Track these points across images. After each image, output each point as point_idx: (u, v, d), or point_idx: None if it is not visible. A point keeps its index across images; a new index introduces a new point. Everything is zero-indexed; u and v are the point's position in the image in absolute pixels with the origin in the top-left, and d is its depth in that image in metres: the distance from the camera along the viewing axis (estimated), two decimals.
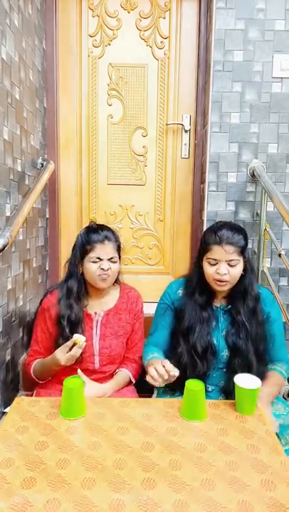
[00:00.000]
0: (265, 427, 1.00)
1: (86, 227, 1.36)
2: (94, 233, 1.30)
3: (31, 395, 1.38)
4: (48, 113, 2.09)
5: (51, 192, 2.16)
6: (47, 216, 2.15)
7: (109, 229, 1.34)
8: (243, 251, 1.22)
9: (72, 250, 1.35)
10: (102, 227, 1.33)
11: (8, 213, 1.50)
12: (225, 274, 1.20)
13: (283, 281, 2.01)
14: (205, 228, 2.00)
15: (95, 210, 2.23)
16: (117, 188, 2.21)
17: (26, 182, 1.74)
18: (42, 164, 1.90)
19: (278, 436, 1.11)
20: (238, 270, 1.22)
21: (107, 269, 1.28)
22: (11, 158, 1.54)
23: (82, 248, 1.30)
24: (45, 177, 1.78)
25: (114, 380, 1.34)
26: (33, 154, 1.84)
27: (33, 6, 1.81)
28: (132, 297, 1.42)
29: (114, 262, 1.31)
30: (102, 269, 1.27)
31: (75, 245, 1.34)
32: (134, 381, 1.38)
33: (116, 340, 1.35)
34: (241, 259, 1.22)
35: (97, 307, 1.37)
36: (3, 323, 1.48)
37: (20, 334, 1.70)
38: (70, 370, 1.30)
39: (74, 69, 2.13)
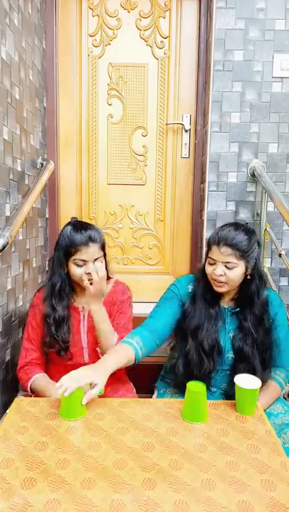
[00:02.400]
0: (266, 427, 1.00)
1: (69, 226, 1.29)
2: (77, 234, 1.24)
3: (31, 396, 1.37)
4: (47, 113, 2.09)
5: (51, 192, 2.16)
6: (47, 216, 2.15)
7: (93, 228, 1.29)
8: (243, 255, 1.18)
9: (56, 248, 1.31)
10: (85, 227, 1.27)
11: (7, 213, 1.50)
12: (221, 275, 1.19)
13: (283, 281, 2.01)
14: (205, 228, 2.00)
15: (94, 210, 2.23)
16: (117, 187, 2.21)
17: (26, 182, 1.74)
18: (42, 164, 1.90)
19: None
20: (235, 273, 1.19)
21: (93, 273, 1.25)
22: (11, 158, 1.54)
23: (66, 249, 1.25)
24: (45, 177, 1.78)
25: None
26: (32, 154, 1.84)
27: (32, 5, 1.81)
28: (119, 291, 1.40)
29: (101, 262, 1.27)
30: (88, 273, 1.24)
31: (58, 243, 1.29)
32: (115, 339, 1.31)
33: None
34: (242, 263, 1.19)
35: (84, 302, 1.35)
36: (2, 324, 1.48)
37: (20, 334, 1.69)
38: (67, 368, 1.30)
39: (74, 68, 2.12)
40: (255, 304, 1.25)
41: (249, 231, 1.23)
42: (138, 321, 1.36)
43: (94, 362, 1.32)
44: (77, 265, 1.25)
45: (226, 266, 1.19)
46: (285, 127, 1.94)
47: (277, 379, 1.26)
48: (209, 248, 1.23)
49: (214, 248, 1.20)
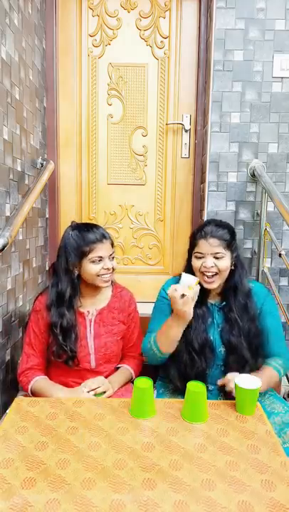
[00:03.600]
0: (266, 427, 1.00)
1: (75, 228, 1.29)
2: (89, 233, 1.26)
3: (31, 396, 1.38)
4: (47, 113, 2.09)
5: (51, 192, 2.16)
6: (47, 216, 2.15)
7: (100, 227, 1.32)
8: (229, 245, 1.25)
9: (62, 252, 1.29)
10: (93, 226, 1.30)
11: (7, 213, 1.50)
12: (212, 266, 1.23)
13: (284, 281, 2.01)
14: None
15: (94, 210, 2.23)
16: (117, 187, 2.21)
17: (26, 182, 1.74)
18: (42, 164, 1.90)
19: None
20: (224, 263, 1.24)
21: (111, 268, 1.29)
22: (11, 158, 1.54)
23: (79, 249, 1.25)
24: (45, 177, 1.78)
25: (118, 375, 1.35)
26: (32, 154, 1.84)
27: (32, 5, 1.81)
28: (125, 296, 1.41)
29: (113, 258, 1.32)
30: (107, 268, 1.27)
31: (65, 247, 1.28)
32: (134, 377, 1.38)
33: (111, 339, 1.34)
34: (228, 253, 1.25)
35: (90, 306, 1.35)
36: (2, 324, 1.48)
37: (20, 334, 1.70)
38: (68, 371, 1.31)
39: (74, 68, 2.12)
40: (240, 293, 1.29)
41: (226, 224, 1.31)
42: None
43: (100, 368, 1.33)
44: (94, 262, 1.26)
45: (215, 257, 1.24)
46: (285, 127, 1.94)
47: (274, 365, 1.25)
48: (195, 244, 1.28)
49: (202, 242, 1.25)
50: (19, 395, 1.55)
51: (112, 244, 1.32)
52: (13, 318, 1.60)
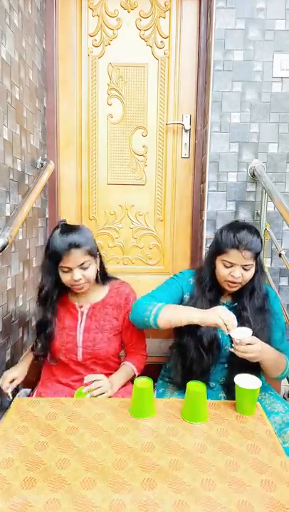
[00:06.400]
0: (266, 427, 1.00)
1: (56, 231, 1.27)
2: (59, 240, 1.22)
3: (31, 395, 1.38)
4: (47, 113, 2.09)
5: (51, 192, 2.16)
6: (47, 216, 2.15)
7: (77, 231, 1.24)
8: (257, 255, 1.23)
9: (45, 254, 1.30)
10: (68, 231, 1.23)
11: (7, 213, 1.50)
12: (239, 277, 1.21)
13: (283, 281, 2.01)
14: (205, 228, 2.00)
15: (94, 210, 2.23)
16: (117, 187, 2.21)
17: (26, 182, 1.74)
18: (42, 164, 1.90)
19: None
20: (251, 273, 1.23)
21: (79, 279, 1.24)
22: (11, 158, 1.54)
23: (53, 256, 1.24)
24: (45, 177, 1.78)
25: (118, 374, 1.34)
26: (32, 154, 1.84)
27: (32, 5, 1.81)
28: (122, 293, 1.38)
29: (87, 268, 1.25)
30: (76, 280, 1.24)
31: (47, 249, 1.27)
32: (137, 374, 1.37)
33: (101, 335, 1.33)
34: (254, 263, 1.24)
35: (85, 300, 1.36)
36: (2, 324, 1.48)
37: (20, 334, 1.70)
38: (65, 367, 1.32)
39: (74, 68, 2.12)
40: (256, 295, 1.28)
41: (257, 231, 1.26)
42: None
43: (88, 362, 1.33)
44: (64, 271, 1.25)
45: (243, 268, 1.21)
46: (285, 127, 1.94)
47: (286, 356, 1.27)
48: (224, 251, 1.22)
49: (234, 252, 1.20)
50: (19, 393, 1.55)
51: (89, 252, 1.25)
52: (13, 318, 1.60)
